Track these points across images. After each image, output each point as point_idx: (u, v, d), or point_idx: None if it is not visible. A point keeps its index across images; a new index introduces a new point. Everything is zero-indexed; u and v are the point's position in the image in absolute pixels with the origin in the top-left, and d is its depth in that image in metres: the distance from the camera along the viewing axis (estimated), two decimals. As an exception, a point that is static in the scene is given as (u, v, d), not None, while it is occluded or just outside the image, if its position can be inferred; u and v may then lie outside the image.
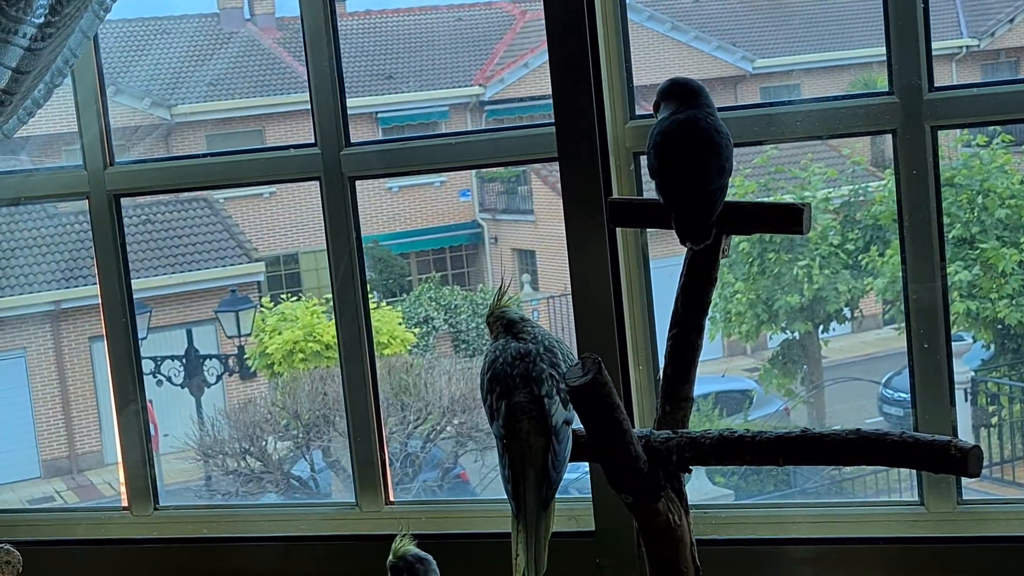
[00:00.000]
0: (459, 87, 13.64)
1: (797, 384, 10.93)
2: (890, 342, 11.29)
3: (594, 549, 2.50)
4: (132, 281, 2.89)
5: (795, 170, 10.88)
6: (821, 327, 10.70)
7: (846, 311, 10.74)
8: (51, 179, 2.92)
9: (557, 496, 2.01)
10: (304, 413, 9.49)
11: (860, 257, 10.47)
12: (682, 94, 2.03)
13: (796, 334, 10.75)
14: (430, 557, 2.14)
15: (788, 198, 9.53)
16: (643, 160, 2.42)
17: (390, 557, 2.13)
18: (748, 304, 10.52)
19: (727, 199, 1.99)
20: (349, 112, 2.72)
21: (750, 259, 10.44)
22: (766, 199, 2.15)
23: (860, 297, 10.71)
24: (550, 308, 12.26)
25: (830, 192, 10.74)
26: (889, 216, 10.17)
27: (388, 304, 12.14)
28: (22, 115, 2.52)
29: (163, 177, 2.90)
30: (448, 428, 9.57)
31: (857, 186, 10.92)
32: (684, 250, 2.02)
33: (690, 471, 2.00)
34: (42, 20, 2.31)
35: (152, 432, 2.99)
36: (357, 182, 2.72)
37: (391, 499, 2.76)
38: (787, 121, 2.46)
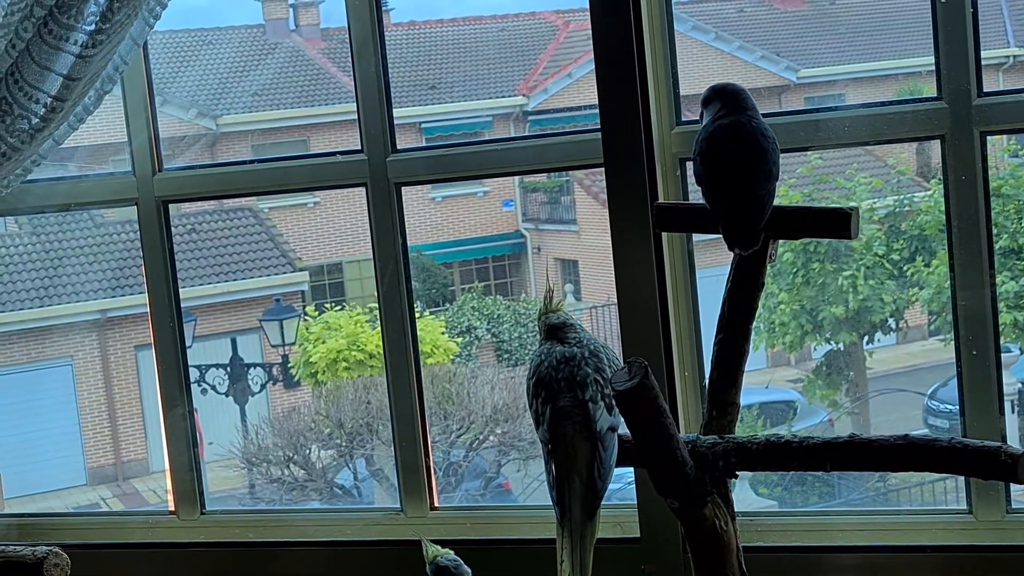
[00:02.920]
0: (502, 97, 13.66)
1: (841, 395, 10.87)
2: (935, 353, 11.21)
3: (639, 555, 2.50)
4: (179, 292, 2.91)
5: (840, 180, 10.83)
6: (866, 338, 10.63)
7: (891, 322, 10.67)
8: (100, 185, 2.95)
9: (602, 502, 2.01)
10: (347, 422, 9.52)
11: (905, 267, 10.41)
12: (725, 99, 2.02)
13: (840, 345, 10.69)
14: (459, 560, 2.15)
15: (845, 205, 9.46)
16: (689, 166, 2.42)
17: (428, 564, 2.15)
18: (792, 314, 10.48)
19: (775, 204, 1.98)
20: (395, 124, 2.73)
21: (794, 269, 10.40)
22: (814, 204, 2.14)
23: (905, 308, 10.64)
24: (593, 318, 12.25)
25: (875, 202, 10.68)
26: (935, 226, 10.11)
27: (431, 314, 12.16)
28: (73, 121, 2.55)
29: (211, 183, 2.92)
30: (491, 437, 9.57)
31: (902, 196, 10.86)
32: (729, 259, 2.02)
33: (736, 476, 1.99)
34: (93, 27, 2.33)
35: (198, 440, 3.01)
36: (402, 189, 2.73)
37: (436, 505, 2.76)
38: (834, 127, 2.45)
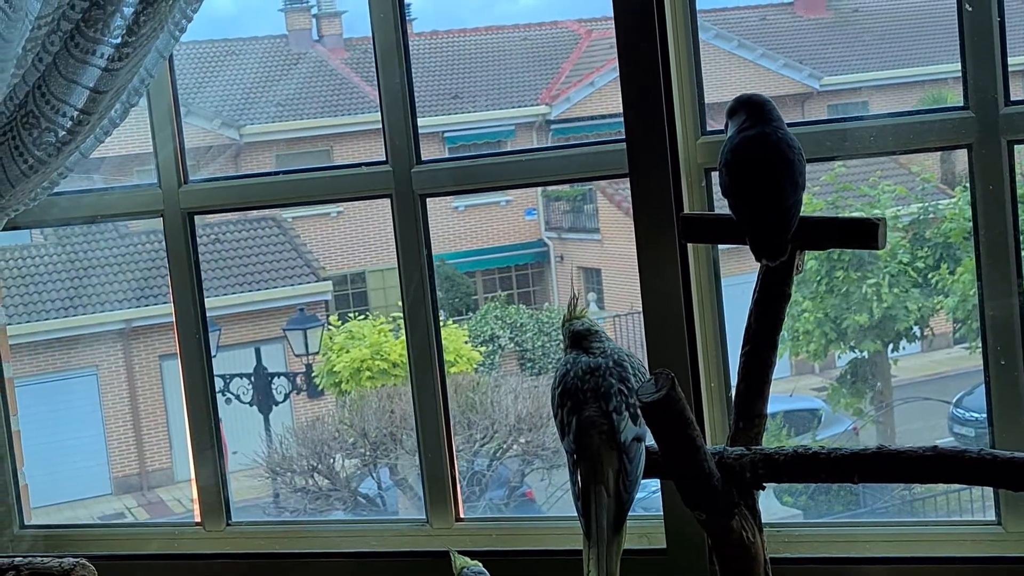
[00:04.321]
0: (525, 106, 13.68)
1: (866, 404, 10.84)
2: (961, 361, 11.18)
3: (666, 567, 2.49)
4: (205, 302, 2.92)
5: (864, 187, 10.81)
6: (890, 346, 10.60)
7: (916, 330, 10.64)
8: (126, 197, 2.96)
9: (628, 515, 2.00)
10: (371, 431, 9.53)
11: (930, 275, 10.37)
12: (751, 110, 2.01)
13: (865, 353, 10.66)
14: (485, 571, 2.15)
15: (857, 216, 9.45)
16: (714, 176, 2.41)
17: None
18: (816, 323, 10.45)
19: (802, 214, 1.98)
20: (419, 135, 2.73)
21: (818, 277, 10.37)
22: (839, 215, 2.14)
23: (930, 316, 10.61)
24: (616, 327, 12.24)
25: (899, 210, 10.65)
26: (960, 234, 10.07)
27: (454, 322, 12.18)
28: (99, 134, 2.56)
29: (236, 195, 2.92)
30: (514, 446, 9.57)
31: (927, 204, 10.83)
32: (754, 266, 2.01)
33: (764, 488, 1.99)
34: (119, 40, 2.34)
35: (223, 450, 3.02)
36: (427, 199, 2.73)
37: (461, 516, 2.76)
38: (860, 136, 2.44)
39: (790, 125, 2.04)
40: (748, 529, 1.97)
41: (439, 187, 2.74)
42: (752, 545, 1.97)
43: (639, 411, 1.92)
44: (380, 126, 2.70)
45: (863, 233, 1.93)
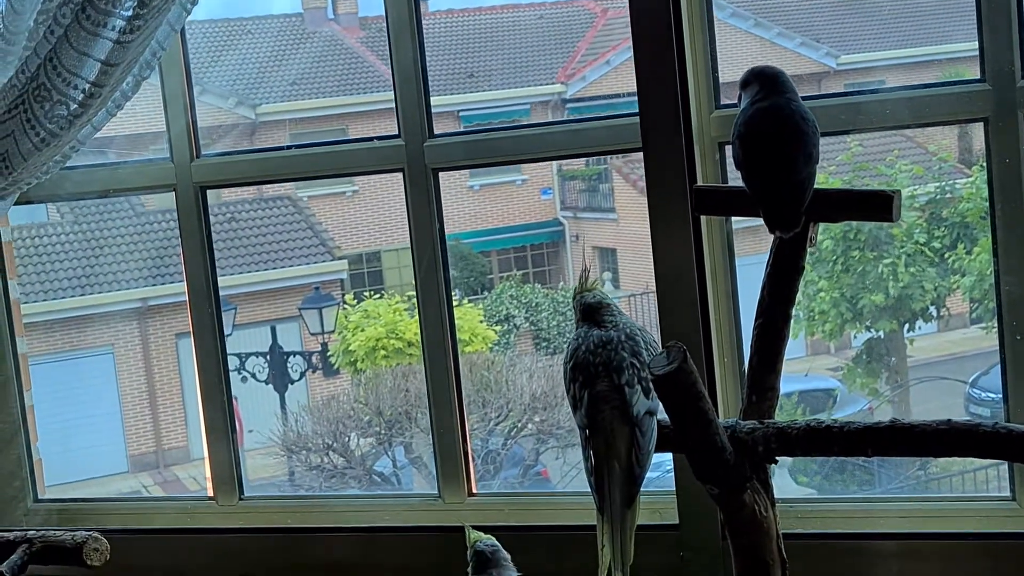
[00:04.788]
0: (541, 85, 13.65)
1: (882, 383, 10.81)
2: (977, 341, 11.13)
3: (678, 542, 2.48)
4: (218, 278, 2.91)
5: (881, 167, 10.76)
6: (906, 326, 10.57)
7: (932, 309, 10.60)
8: (139, 172, 2.96)
9: (641, 489, 2.00)
10: (386, 410, 9.55)
11: (947, 255, 10.33)
12: (763, 82, 2.00)
13: (881, 333, 10.62)
14: (498, 545, 2.15)
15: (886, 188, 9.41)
16: (728, 150, 2.40)
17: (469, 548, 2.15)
18: (832, 302, 10.42)
19: (816, 187, 1.96)
20: (432, 111, 2.72)
21: (834, 257, 10.34)
22: (855, 187, 2.12)
23: (947, 295, 10.56)
24: (631, 306, 12.22)
25: (916, 189, 10.61)
26: (977, 213, 10.02)
27: (469, 302, 12.17)
28: (111, 107, 2.55)
29: (248, 169, 2.92)
30: (529, 425, 9.58)
31: (944, 183, 10.78)
32: (769, 247, 2.00)
33: (776, 462, 1.98)
34: (131, 13, 2.33)
35: (237, 428, 3.02)
36: (440, 175, 2.72)
37: (474, 491, 2.76)
38: (875, 110, 2.42)
39: (805, 99, 2.03)
40: (760, 503, 1.96)
41: (452, 161, 2.73)
42: (764, 519, 1.96)
43: (651, 384, 1.91)
44: (393, 102, 2.70)
45: (878, 205, 1.91)
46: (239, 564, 2.78)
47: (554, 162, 13.59)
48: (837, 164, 10.51)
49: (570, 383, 2.02)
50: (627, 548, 1.97)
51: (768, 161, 1.95)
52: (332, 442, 9.64)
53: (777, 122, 1.94)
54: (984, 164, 2.38)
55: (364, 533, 2.75)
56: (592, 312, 2.04)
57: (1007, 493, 2.44)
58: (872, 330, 10.65)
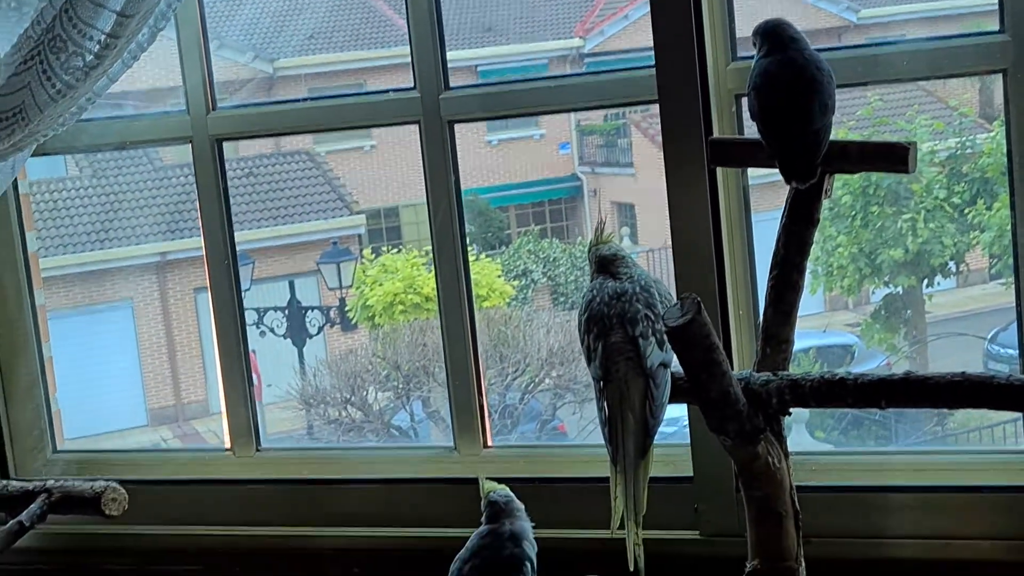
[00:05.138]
0: (559, 39, 13.58)
1: (900, 339, 10.79)
2: (996, 297, 11.09)
3: (693, 494, 2.49)
4: (236, 233, 2.91)
5: (900, 122, 10.70)
6: (925, 281, 10.54)
7: (951, 265, 10.56)
8: (155, 124, 2.96)
9: (655, 441, 2.01)
10: (404, 364, 9.58)
11: (966, 210, 10.28)
12: (776, 34, 1.99)
13: (899, 288, 10.59)
14: (512, 495, 2.16)
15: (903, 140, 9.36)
16: (744, 102, 2.39)
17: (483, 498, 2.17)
18: (850, 258, 10.39)
19: (832, 138, 1.96)
20: (450, 65, 2.71)
21: (853, 212, 10.30)
22: (871, 139, 2.11)
23: (966, 251, 10.52)
24: (649, 262, 12.21)
25: (936, 144, 10.55)
26: (997, 168, 9.96)
27: (487, 257, 12.18)
28: (127, 59, 2.55)
29: (264, 122, 2.92)
30: (546, 380, 9.60)
31: (964, 138, 10.71)
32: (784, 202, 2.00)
33: (790, 414, 1.98)
34: (145, -37, 2.33)
35: (255, 381, 3.03)
36: (457, 130, 2.71)
37: (489, 443, 2.77)
38: (892, 62, 2.40)
39: (823, 50, 2.02)
40: (774, 455, 1.97)
41: (468, 114, 2.72)
42: (778, 471, 1.97)
43: (665, 337, 1.91)
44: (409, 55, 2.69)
45: (894, 155, 1.91)
46: (255, 514, 2.80)
47: (572, 117, 13.55)
48: (857, 119, 10.45)
49: (584, 334, 2.03)
50: (640, 499, 1.99)
51: (784, 111, 1.95)
52: (350, 396, 9.68)
53: (793, 72, 1.94)
54: (1004, 115, 2.36)
55: (380, 484, 2.77)
56: (607, 264, 2.05)
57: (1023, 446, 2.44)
58: (891, 286, 10.63)
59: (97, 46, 2.40)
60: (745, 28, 2.51)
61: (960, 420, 9.05)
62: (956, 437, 9.04)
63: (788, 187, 1.99)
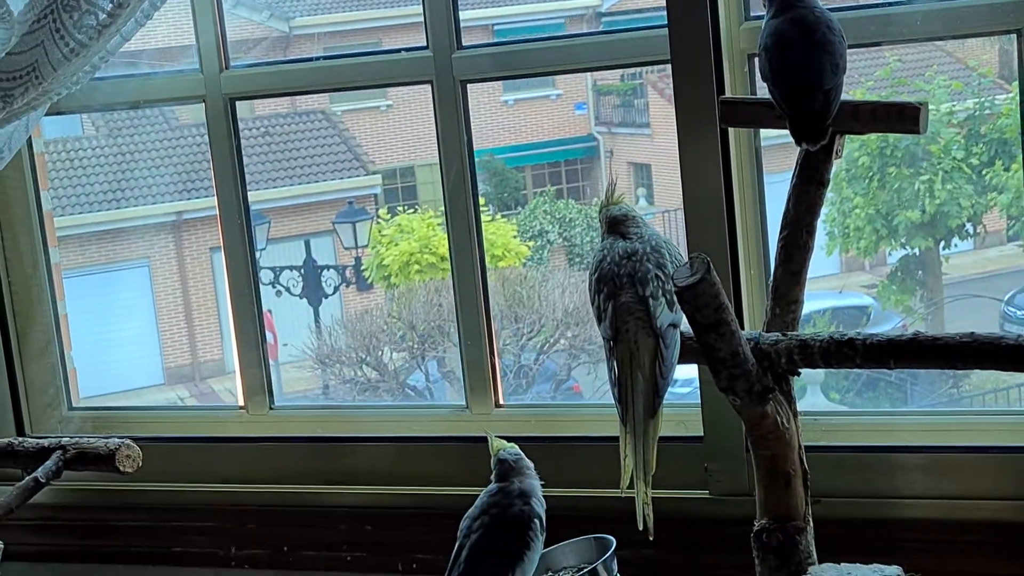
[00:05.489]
0: (575, -2, 13.51)
1: (916, 301, 10.76)
2: (1014, 259, 11.05)
3: (702, 453, 2.50)
4: (252, 192, 2.92)
5: (919, 82, 10.62)
6: (942, 243, 10.49)
7: (968, 227, 10.51)
8: (168, 83, 2.96)
9: (665, 401, 2.01)
10: (419, 324, 9.59)
11: (984, 172, 10.22)
12: None
13: (916, 250, 10.55)
14: (521, 453, 2.18)
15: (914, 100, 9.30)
16: (756, 62, 2.38)
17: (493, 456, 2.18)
18: (867, 219, 10.34)
19: (843, 99, 1.95)
20: (466, 24, 2.70)
21: (870, 173, 10.25)
22: (883, 99, 2.10)
23: (983, 213, 10.47)
24: (665, 222, 12.18)
25: (954, 105, 10.48)
26: (1015, 129, 9.90)
27: (503, 217, 12.16)
28: (140, 18, 2.55)
29: (276, 81, 2.92)
30: (561, 341, 9.60)
31: (983, 99, 10.64)
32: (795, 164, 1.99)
33: (799, 374, 1.99)
34: (158, -79, 2.33)
35: (271, 340, 3.04)
36: (471, 95, 2.71)
37: (501, 403, 2.78)
38: (906, 21, 2.39)
39: (836, 9, 2.01)
40: (783, 415, 1.97)
41: (481, 73, 2.72)
42: (786, 431, 1.98)
43: (675, 297, 1.92)
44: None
45: (904, 117, 1.90)
46: (268, 472, 2.82)
47: (588, 77, 13.49)
48: (875, 80, 10.38)
49: (595, 294, 2.03)
50: (649, 458, 2.00)
51: (795, 71, 1.94)
52: (365, 356, 9.70)
53: (803, 32, 1.93)
54: (1019, 75, 2.35)
55: (393, 442, 2.78)
56: (617, 224, 2.05)
57: (1035, 407, 2.44)
58: (907, 247, 10.59)
59: (110, 5, 2.41)
60: (757, -9, 2.51)
61: (975, 382, 9.03)
62: (971, 399, 9.03)
63: (799, 148, 1.98)
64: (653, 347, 1.98)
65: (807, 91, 1.92)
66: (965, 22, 2.37)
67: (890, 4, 2.43)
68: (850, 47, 1.99)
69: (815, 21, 1.93)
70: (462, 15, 2.70)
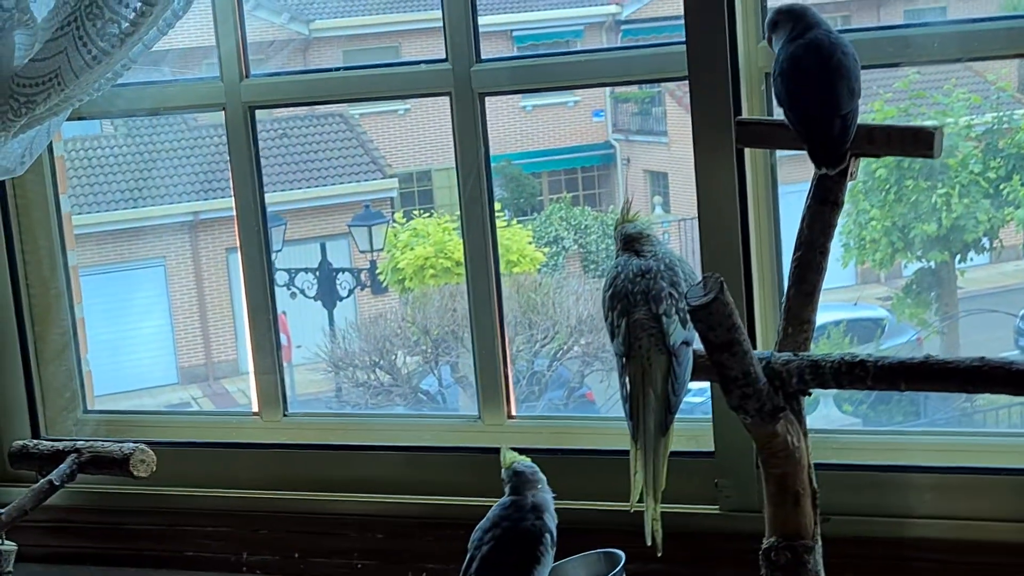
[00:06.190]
0: (595, 5, 13.53)
1: (931, 314, 10.75)
2: (1030, 275, 11.04)
3: (713, 469, 2.51)
4: (269, 194, 2.93)
5: (937, 95, 10.62)
6: (958, 257, 10.48)
7: (985, 241, 10.50)
8: (188, 90, 2.98)
9: (677, 416, 2.02)
10: (433, 329, 9.60)
11: (1001, 186, 10.21)
12: (795, 18, 1.99)
13: (932, 263, 10.55)
14: (535, 466, 2.19)
15: (929, 124, 9.30)
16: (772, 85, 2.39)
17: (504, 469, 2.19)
18: (883, 231, 10.34)
19: (858, 122, 1.96)
20: (485, 30, 2.72)
21: (887, 186, 10.24)
22: (899, 123, 2.10)
23: (1000, 227, 10.46)
24: (681, 231, 12.19)
25: (972, 119, 10.47)
26: (1034, 144, 9.90)
27: (519, 223, 12.18)
28: (162, 26, 2.57)
29: (296, 90, 2.94)
30: (575, 348, 9.61)
31: (1001, 113, 10.63)
32: (812, 174, 2.00)
33: (810, 394, 2.00)
34: (181, -69, 2.35)
35: (285, 343, 3.06)
36: (489, 100, 2.73)
37: (513, 414, 2.79)
38: (925, 43, 2.40)
39: (857, 30, 2.02)
40: (793, 434, 1.98)
41: (499, 86, 2.73)
42: (796, 450, 1.99)
43: (688, 315, 1.93)
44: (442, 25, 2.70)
45: (919, 141, 1.91)
46: (281, 478, 2.83)
47: (606, 85, 13.50)
48: (894, 92, 10.38)
49: (608, 311, 2.05)
50: (660, 475, 2.01)
51: (813, 97, 1.94)
52: (379, 360, 9.72)
53: (820, 57, 1.94)
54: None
55: (405, 452, 2.79)
56: (632, 242, 2.06)
57: (1049, 428, 2.44)
58: (923, 260, 10.58)
59: (133, 13, 2.42)
60: (777, 4, 2.51)
61: (989, 397, 9.01)
62: (984, 415, 9.01)
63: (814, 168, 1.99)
64: (666, 364, 1.99)
65: (825, 116, 1.93)
66: (983, 45, 2.38)
67: (909, 26, 2.44)
68: (868, 67, 2.00)
69: (830, 46, 1.94)
70: (481, 20, 2.72)
